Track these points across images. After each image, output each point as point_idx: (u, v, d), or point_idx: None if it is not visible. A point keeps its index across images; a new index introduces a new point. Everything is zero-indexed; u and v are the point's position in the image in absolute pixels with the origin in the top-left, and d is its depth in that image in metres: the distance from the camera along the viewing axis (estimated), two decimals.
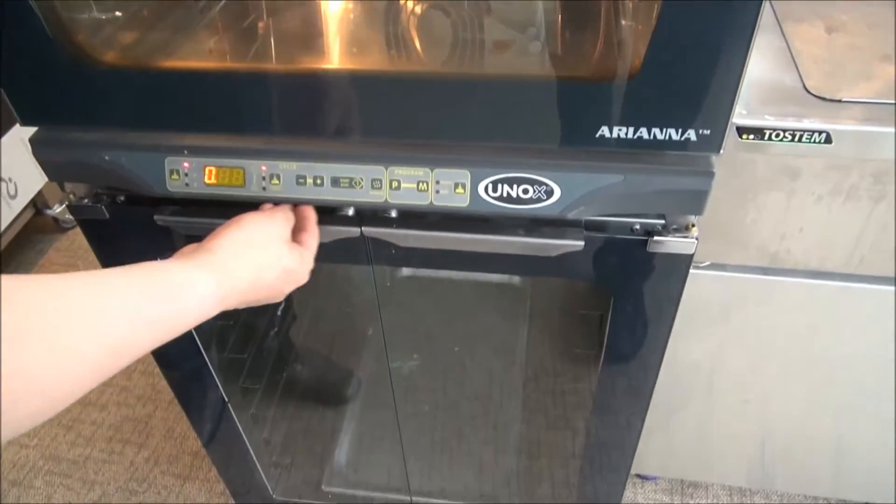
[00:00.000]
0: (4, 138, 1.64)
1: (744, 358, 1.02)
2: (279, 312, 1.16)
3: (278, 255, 0.61)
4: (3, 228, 1.75)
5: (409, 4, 0.77)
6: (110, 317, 0.45)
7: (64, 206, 0.77)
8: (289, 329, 1.22)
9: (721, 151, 0.59)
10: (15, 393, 0.37)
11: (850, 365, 1.00)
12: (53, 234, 2.03)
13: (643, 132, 0.58)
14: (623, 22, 0.62)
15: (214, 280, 0.54)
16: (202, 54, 0.68)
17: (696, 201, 0.62)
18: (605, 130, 0.58)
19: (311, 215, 0.69)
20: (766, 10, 0.51)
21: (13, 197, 1.78)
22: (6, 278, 0.39)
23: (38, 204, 1.91)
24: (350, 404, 1.33)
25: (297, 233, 0.67)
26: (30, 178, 1.77)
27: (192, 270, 0.54)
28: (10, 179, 1.74)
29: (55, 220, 2.00)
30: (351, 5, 0.76)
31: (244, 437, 1.08)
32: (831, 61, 0.81)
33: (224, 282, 0.55)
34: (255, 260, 0.59)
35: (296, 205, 0.69)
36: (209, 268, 0.55)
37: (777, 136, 0.74)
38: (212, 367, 0.96)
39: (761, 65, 0.82)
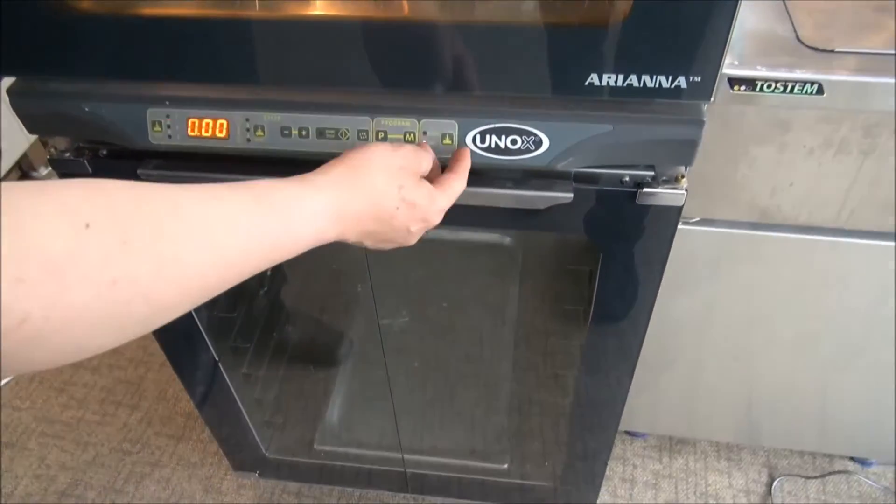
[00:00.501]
0: None
1: (733, 314, 1.03)
2: (269, 271, 1.15)
3: (400, 184, 0.56)
4: None
5: None
6: (216, 231, 0.43)
7: (50, 169, 0.75)
8: (279, 289, 1.22)
9: (712, 99, 0.58)
10: (120, 296, 0.37)
11: (837, 319, 1.01)
12: None
13: (633, 79, 0.57)
14: None
15: (324, 198, 0.51)
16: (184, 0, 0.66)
17: (686, 151, 0.61)
18: (594, 78, 0.58)
19: (463, 157, 0.63)
20: None
21: None
22: (114, 183, 0.39)
23: (23, 167, 1.89)
24: (341, 365, 1.33)
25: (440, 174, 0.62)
26: (14, 140, 1.74)
27: (302, 187, 0.50)
28: None
29: None
30: None
31: (236, 396, 1.08)
32: (825, 11, 0.80)
33: (336, 200, 0.51)
34: (372, 181, 0.54)
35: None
36: (320, 185, 0.51)
37: (769, 86, 0.73)
38: (202, 326, 0.96)
39: (755, 15, 0.81)
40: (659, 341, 1.05)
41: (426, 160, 0.60)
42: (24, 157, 1.82)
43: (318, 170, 0.54)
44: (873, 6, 0.80)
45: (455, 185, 0.61)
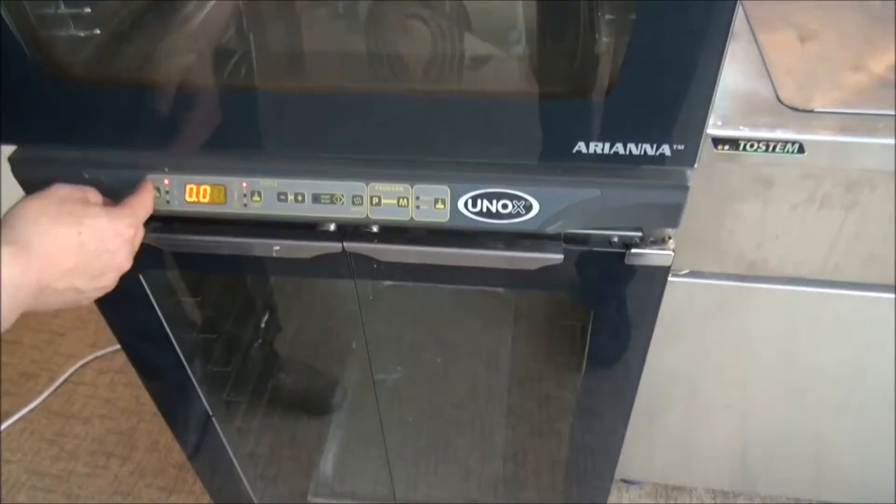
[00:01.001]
0: None
1: (724, 363, 1.04)
2: (263, 324, 1.16)
3: (69, 212, 0.58)
4: None
5: (389, 14, 0.77)
6: None
7: None
8: (273, 341, 1.22)
9: (695, 166, 0.60)
10: None
11: (828, 368, 1.02)
12: None
13: (619, 147, 0.59)
14: (598, 38, 0.63)
15: (5, 247, 0.52)
16: (182, 71, 0.68)
17: (672, 214, 0.63)
18: (581, 146, 0.59)
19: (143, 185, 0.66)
20: (738, 16, 0.52)
21: None
22: None
23: None
24: (335, 414, 1.33)
25: None
26: (6, 185, 1.75)
27: None
28: None
29: None
30: (331, 14, 0.76)
31: (229, 450, 1.08)
32: (804, 71, 0.83)
33: (11, 245, 0.53)
34: (36, 221, 0.56)
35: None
36: None
37: (751, 146, 0.75)
38: (195, 380, 0.96)
39: (736, 74, 0.83)
40: (652, 389, 1.05)
41: (90, 192, 0.63)
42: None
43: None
44: (850, 66, 0.83)
45: (133, 201, 0.64)
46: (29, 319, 1.72)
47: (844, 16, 0.92)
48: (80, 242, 0.57)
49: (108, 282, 0.61)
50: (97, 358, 1.68)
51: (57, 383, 1.62)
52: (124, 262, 0.62)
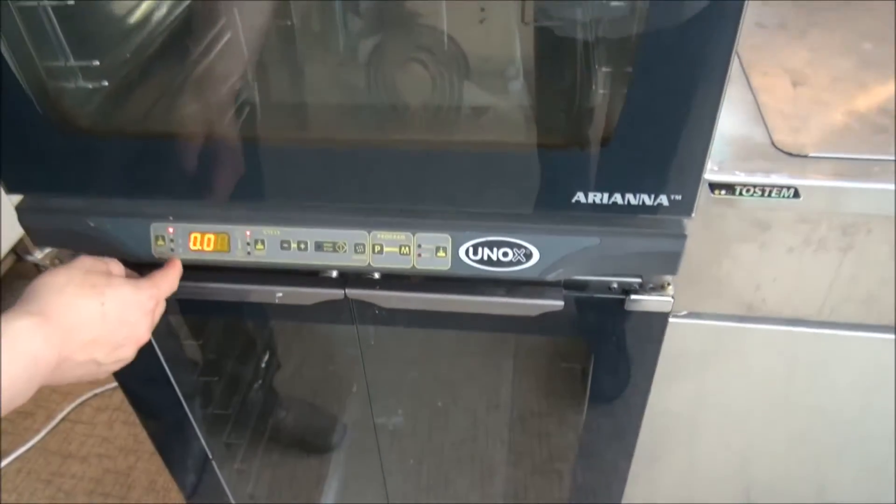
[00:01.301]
0: None
1: (724, 404, 1.03)
2: (263, 364, 1.16)
3: (92, 284, 0.58)
4: None
5: (390, 55, 0.78)
6: None
7: (46, 251, 0.77)
8: (273, 379, 1.22)
9: (693, 215, 0.61)
10: None
11: (828, 410, 1.01)
12: None
13: (617, 197, 0.60)
14: (595, 90, 0.64)
15: (22, 322, 0.53)
16: (187, 121, 0.69)
17: (670, 262, 0.64)
18: (580, 196, 0.60)
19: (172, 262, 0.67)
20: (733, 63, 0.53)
21: None
22: None
23: (18, 251, 1.90)
24: (335, 452, 1.32)
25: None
26: (11, 226, 1.76)
27: (10, 317, 0.53)
28: None
29: (36, 266, 1.98)
30: (333, 63, 0.78)
31: (228, 491, 1.07)
32: (798, 116, 0.84)
33: (34, 319, 0.53)
34: (60, 293, 0.57)
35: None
36: (9, 316, 0.53)
37: (747, 191, 0.76)
38: (195, 422, 0.95)
39: (730, 119, 0.85)
40: (653, 430, 1.05)
41: (113, 264, 0.64)
42: (20, 241, 1.84)
43: (6, 313, 0.55)
44: (844, 110, 0.85)
45: (158, 274, 0.65)
46: None
47: (836, 60, 0.94)
48: (103, 314, 0.58)
49: (127, 354, 0.61)
50: (95, 395, 1.67)
51: (55, 422, 1.62)
52: (144, 334, 0.62)
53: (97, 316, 0.58)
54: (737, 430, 1.08)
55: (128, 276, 0.66)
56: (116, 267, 0.66)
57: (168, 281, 0.66)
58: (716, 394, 1.02)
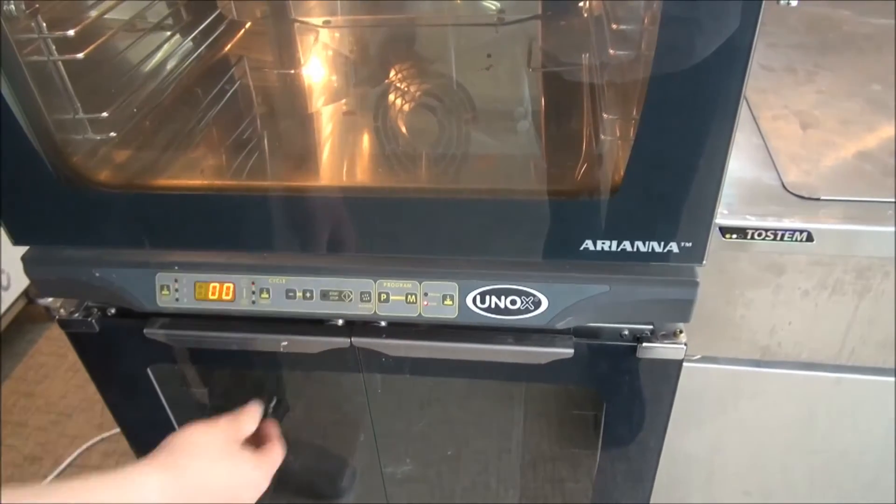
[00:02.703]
0: None
1: (742, 449, 1.01)
2: (269, 410, 1.14)
3: (229, 452, 0.61)
4: None
5: (398, 102, 0.79)
6: None
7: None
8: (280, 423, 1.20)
9: (704, 262, 0.60)
10: None
11: (849, 454, 0.99)
12: (45, 323, 2.01)
13: (626, 245, 0.59)
14: (603, 137, 0.64)
15: (150, 479, 0.56)
16: (193, 172, 0.70)
17: (682, 310, 0.63)
18: (588, 244, 0.60)
19: (271, 430, 0.69)
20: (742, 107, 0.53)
21: (6, 288, 1.78)
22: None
23: (29, 293, 1.91)
24: (344, 497, 1.29)
25: (261, 440, 0.67)
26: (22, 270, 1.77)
27: (127, 473, 0.56)
28: (3, 271, 1.75)
29: (47, 309, 1.99)
30: (342, 110, 0.78)
31: None
32: (808, 159, 0.84)
33: (161, 479, 0.56)
34: (196, 461, 0.58)
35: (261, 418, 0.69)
36: (144, 469, 0.56)
37: (759, 235, 0.75)
38: None
39: (740, 162, 0.84)
40: (670, 473, 1.02)
41: (247, 423, 0.64)
42: (31, 285, 1.85)
43: (142, 461, 0.58)
44: (853, 153, 0.84)
45: (275, 452, 0.66)
46: (37, 400, 1.71)
47: (845, 102, 0.93)
48: (228, 485, 0.60)
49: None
50: (102, 440, 1.65)
51: (61, 467, 1.60)
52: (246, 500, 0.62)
53: (223, 487, 0.59)
54: (755, 474, 1.05)
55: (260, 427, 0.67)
56: (249, 424, 0.65)
57: (280, 453, 0.68)
58: (733, 438, 0.99)
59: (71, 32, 0.61)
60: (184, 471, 0.57)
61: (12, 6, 0.57)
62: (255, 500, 0.62)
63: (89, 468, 1.61)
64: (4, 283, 1.78)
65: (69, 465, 1.61)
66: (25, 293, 1.87)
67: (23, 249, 0.70)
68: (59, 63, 0.63)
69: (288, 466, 1.24)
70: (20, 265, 0.70)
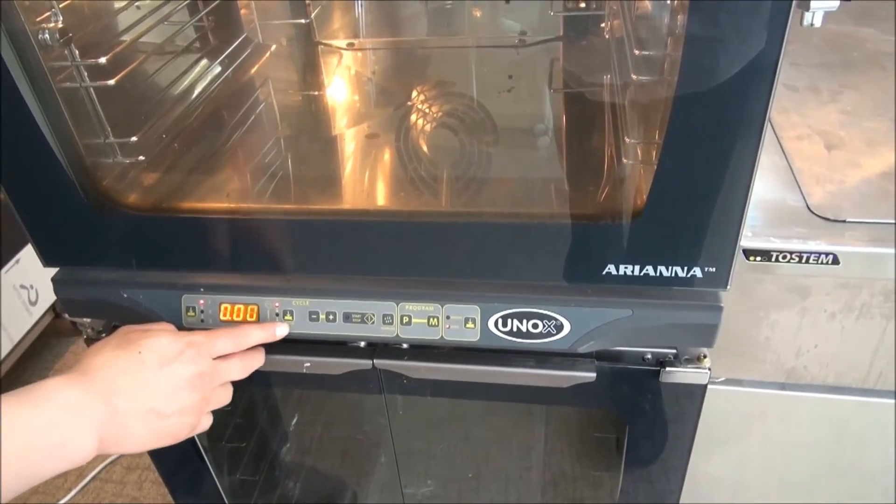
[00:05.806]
0: (26, 248, 1.69)
1: (768, 473, 0.99)
2: (290, 430, 1.15)
3: (129, 339, 0.60)
4: (23, 335, 1.78)
5: (420, 123, 0.79)
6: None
7: None
8: (299, 448, 1.21)
9: (728, 287, 0.59)
10: None
11: (877, 476, 0.97)
12: (70, 337, 2.04)
13: (649, 269, 0.59)
14: (625, 160, 0.64)
15: (64, 377, 0.55)
16: (219, 195, 0.71)
17: (705, 335, 0.62)
18: (611, 268, 0.59)
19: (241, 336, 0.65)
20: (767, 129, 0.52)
21: (34, 304, 1.81)
22: None
23: (56, 308, 1.94)
24: None
25: None
26: (50, 285, 1.80)
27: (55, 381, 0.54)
28: (31, 287, 1.78)
29: (73, 323, 2.02)
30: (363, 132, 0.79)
31: None
32: (833, 180, 0.83)
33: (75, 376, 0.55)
34: (103, 351, 0.58)
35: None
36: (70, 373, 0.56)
37: (784, 257, 0.75)
38: (222, 489, 0.94)
39: (764, 183, 0.84)
40: (695, 495, 1.01)
41: (154, 324, 0.64)
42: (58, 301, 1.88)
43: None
44: (879, 174, 0.83)
45: (208, 331, 0.64)
46: None
47: (870, 122, 0.92)
48: (142, 361, 0.58)
49: (186, 401, 0.60)
50: (125, 455, 1.67)
51: (85, 481, 1.62)
52: (194, 377, 0.60)
53: (136, 364, 0.58)
54: (781, 497, 1.03)
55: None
56: (157, 326, 0.65)
57: (221, 338, 0.63)
58: (759, 462, 0.98)
59: (103, 60, 0.62)
60: (89, 368, 0.57)
61: (47, 35, 0.59)
62: (190, 367, 0.60)
63: (113, 483, 1.62)
64: (32, 298, 1.81)
65: (93, 478, 1.63)
66: (52, 308, 1.90)
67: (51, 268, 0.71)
68: (91, 89, 0.64)
69: (308, 487, 1.25)
70: (47, 280, 0.71)
